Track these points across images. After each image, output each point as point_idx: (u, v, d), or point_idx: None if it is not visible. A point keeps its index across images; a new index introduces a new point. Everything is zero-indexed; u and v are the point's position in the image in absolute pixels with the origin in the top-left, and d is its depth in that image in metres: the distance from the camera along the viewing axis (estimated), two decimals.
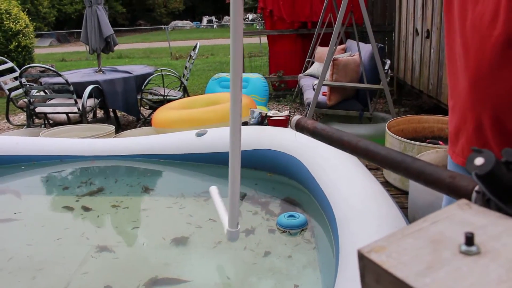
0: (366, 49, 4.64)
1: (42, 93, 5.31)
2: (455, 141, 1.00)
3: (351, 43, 5.74)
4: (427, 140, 3.19)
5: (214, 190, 2.13)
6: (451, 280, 0.39)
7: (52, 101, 5.12)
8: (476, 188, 0.61)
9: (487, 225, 0.46)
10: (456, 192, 0.65)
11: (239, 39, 1.46)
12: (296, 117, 0.99)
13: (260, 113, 3.30)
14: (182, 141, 3.37)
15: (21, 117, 6.54)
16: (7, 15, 9.10)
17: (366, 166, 2.52)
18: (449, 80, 0.99)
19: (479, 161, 0.53)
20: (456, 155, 1.01)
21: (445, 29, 0.98)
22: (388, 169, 0.79)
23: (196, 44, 6.07)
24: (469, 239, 0.42)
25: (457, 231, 0.45)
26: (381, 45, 4.71)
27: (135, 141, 3.56)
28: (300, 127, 0.98)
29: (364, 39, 5.88)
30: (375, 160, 0.81)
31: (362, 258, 0.45)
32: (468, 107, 0.92)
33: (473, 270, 0.40)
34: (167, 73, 5.82)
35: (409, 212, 2.59)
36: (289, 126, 3.42)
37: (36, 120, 5.54)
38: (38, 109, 5.04)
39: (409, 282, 0.39)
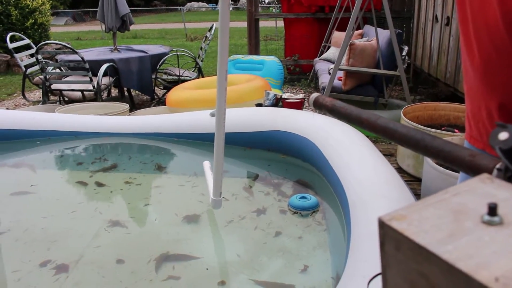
0: (384, 34, 4.58)
1: (57, 70, 5.34)
2: (472, 125, 1.00)
3: (368, 28, 5.67)
4: (443, 128, 3.17)
5: (206, 164, 2.60)
6: (473, 248, 0.39)
7: (67, 78, 5.15)
8: (498, 165, 0.60)
9: (510, 198, 0.46)
10: (476, 170, 0.65)
11: (226, 25, 1.71)
12: (315, 95, 0.99)
13: (275, 95, 3.29)
14: (196, 120, 3.38)
15: (37, 94, 6.59)
16: None
17: (380, 151, 2.51)
18: (463, 65, 0.98)
19: (503, 135, 0.53)
20: (475, 139, 1.00)
21: (458, 14, 0.96)
22: (407, 147, 0.78)
23: (212, 25, 6.04)
24: (492, 209, 0.42)
25: (480, 202, 0.45)
26: (399, 31, 4.64)
27: (149, 119, 3.58)
28: (318, 105, 0.98)
29: (382, 25, 5.81)
30: (394, 138, 0.81)
31: (383, 226, 0.45)
32: (480, 94, 0.92)
33: (495, 239, 0.39)
34: (182, 53, 5.81)
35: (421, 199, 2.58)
36: (306, 104, 3.42)
37: (51, 97, 5.58)
38: (53, 86, 5.08)
39: (431, 249, 0.39)
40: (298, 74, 7.17)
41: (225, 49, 1.75)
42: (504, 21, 0.80)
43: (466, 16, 0.91)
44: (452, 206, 0.46)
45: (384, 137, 0.82)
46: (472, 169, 0.66)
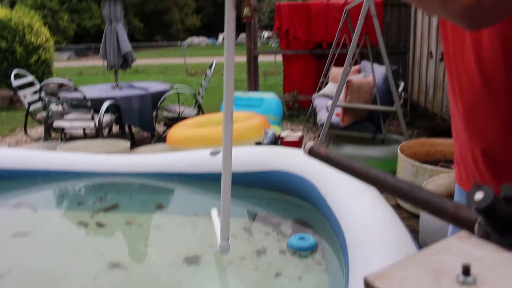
0: (381, 70, 4.67)
1: (60, 106, 5.42)
2: (461, 169, 1.04)
3: (365, 64, 5.78)
4: (440, 164, 3.20)
5: (214, 211, 2.55)
6: None
7: (69, 116, 5.23)
8: (479, 219, 0.64)
9: (484, 257, 0.49)
10: (460, 222, 0.69)
11: (231, 67, 1.73)
12: (309, 144, 1.03)
13: (274, 133, 3.34)
14: (196, 159, 3.41)
15: (39, 130, 6.66)
16: (29, 30, 9.33)
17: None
18: (451, 111, 1.04)
19: (478, 196, 0.57)
20: (464, 182, 1.04)
21: (444, 58, 1.02)
22: (397, 198, 0.82)
23: (212, 62, 6.16)
24: (466, 270, 0.45)
25: (456, 261, 0.49)
26: (395, 67, 4.74)
27: (149, 158, 3.61)
28: (313, 154, 1.02)
29: (379, 60, 5.92)
30: (384, 188, 0.85)
31: (368, 285, 0.48)
32: (465, 140, 0.97)
33: None
34: (183, 91, 5.91)
35: (420, 235, 2.59)
36: (302, 150, 3.46)
37: (53, 134, 5.65)
38: (55, 124, 5.14)
39: None
40: (297, 110, 7.26)
41: (230, 92, 1.73)
42: (481, 78, 0.86)
43: (451, 67, 0.97)
44: (432, 265, 0.49)
45: (375, 187, 0.86)
46: (457, 221, 0.69)
